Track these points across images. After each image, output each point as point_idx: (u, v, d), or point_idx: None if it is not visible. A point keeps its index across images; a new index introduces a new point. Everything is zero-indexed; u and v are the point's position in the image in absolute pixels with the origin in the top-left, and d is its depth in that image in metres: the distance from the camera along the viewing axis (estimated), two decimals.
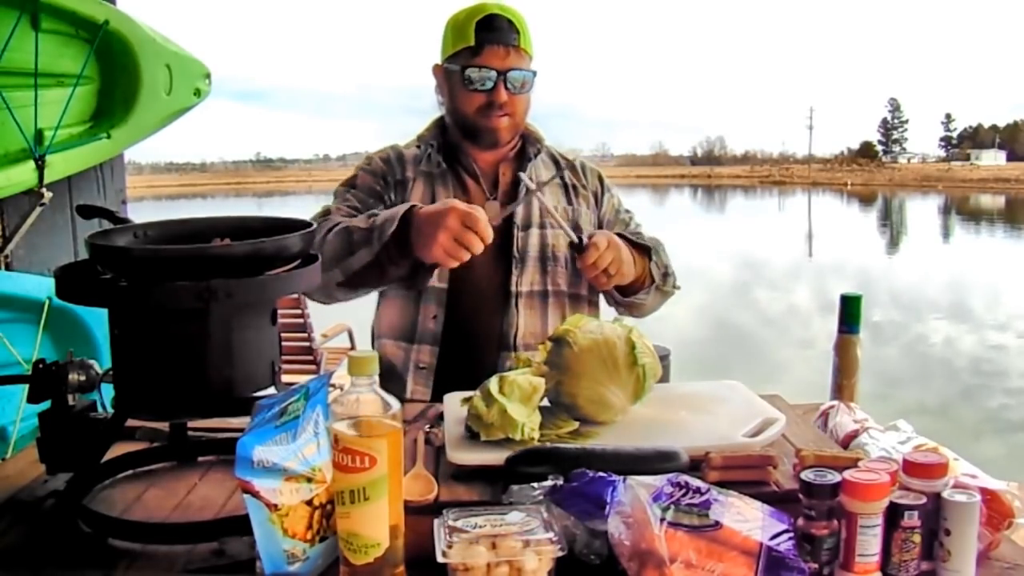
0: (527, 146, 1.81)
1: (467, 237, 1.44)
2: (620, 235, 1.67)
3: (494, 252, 1.70)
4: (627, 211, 1.90)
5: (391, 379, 1.76)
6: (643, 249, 1.71)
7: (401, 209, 1.52)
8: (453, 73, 1.69)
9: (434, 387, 1.68)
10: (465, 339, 1.70)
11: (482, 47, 1.64)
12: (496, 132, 1.70)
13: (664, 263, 1.78)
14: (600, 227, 1.82)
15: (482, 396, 1.21)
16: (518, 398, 1.21)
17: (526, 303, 1.72)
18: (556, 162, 1.85)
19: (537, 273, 1.74)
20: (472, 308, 1.71)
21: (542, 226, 1.75)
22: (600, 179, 1.88)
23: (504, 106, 1.67)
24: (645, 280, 1.72)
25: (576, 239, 1.57)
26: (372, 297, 1.87)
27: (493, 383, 1.22)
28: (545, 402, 1.28)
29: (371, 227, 1.54)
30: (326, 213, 1.72)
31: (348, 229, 1.56)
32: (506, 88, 1.66)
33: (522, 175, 1.67)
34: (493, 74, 1.64)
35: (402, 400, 1.60)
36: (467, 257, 1.47)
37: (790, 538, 0.87)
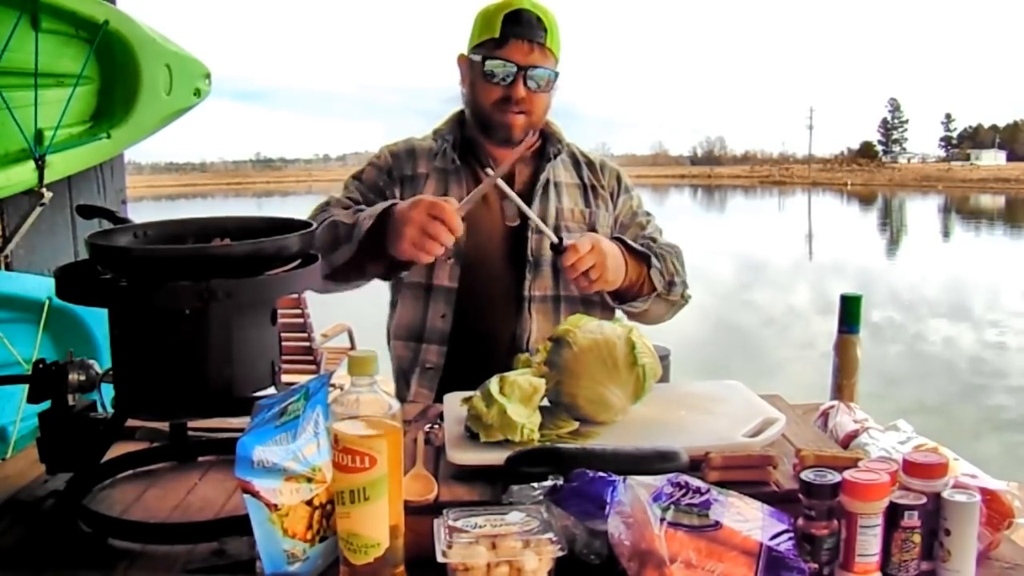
0: (547, 145, 1.76)
1: (433, 227, 1.43)
2: (619, 239, 1.64)
3: (507, 255, 1.70)
4: (647, 213, 1.84)
5: (398, 381, 1.76)
6: (643, 256, 1.66)
7: (381, 206, 1.53)
8: (475, 64, 1.66)
9: (439, 391, 1.66)
10: (475, 342, 1.68)
11: (506, 40, 1.61)
12: (510, 128, 1.66)
13: (671, 271, 1.71)
14: (615, 228, 1.79)
15: (482, 397, 1.21)
16: (518, 399, 1.21)
17: (539, 308, 1.69)
18: (577, 162, 1.81)
19: (550, 278, 1.70)
20: (483, 311, 1.68)
21: (556, 229, 1.70)
22: (618, 178, 1.83)
23: (521, 102, 1.64)
24: (642, 287, 1.67)
25: (556, 239, 1.55)
26: (378, 298, 1.87)
27: (493, 383, 1.22)
28: (545, 402, 1.28)
29: (354, 223, 1.55)
30: (326, 205, 1.72)
31: (335, 223, 1.57)
32: (525, 85, 1.62)
33: (489, 171, 1.60)
34: (513, 68, 1.61)
35: (403, 402, 1.61)
36: (437, 250, 1.45)
37: (790, 538, 0.87)
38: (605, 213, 1.78)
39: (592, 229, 1.73)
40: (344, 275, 1.61)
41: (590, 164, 1.81)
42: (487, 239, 1.69)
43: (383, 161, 1.77)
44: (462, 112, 1.79)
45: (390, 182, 1.74)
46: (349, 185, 1.77)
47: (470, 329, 1.68)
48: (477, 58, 1.65)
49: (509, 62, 1.61)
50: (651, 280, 1.66)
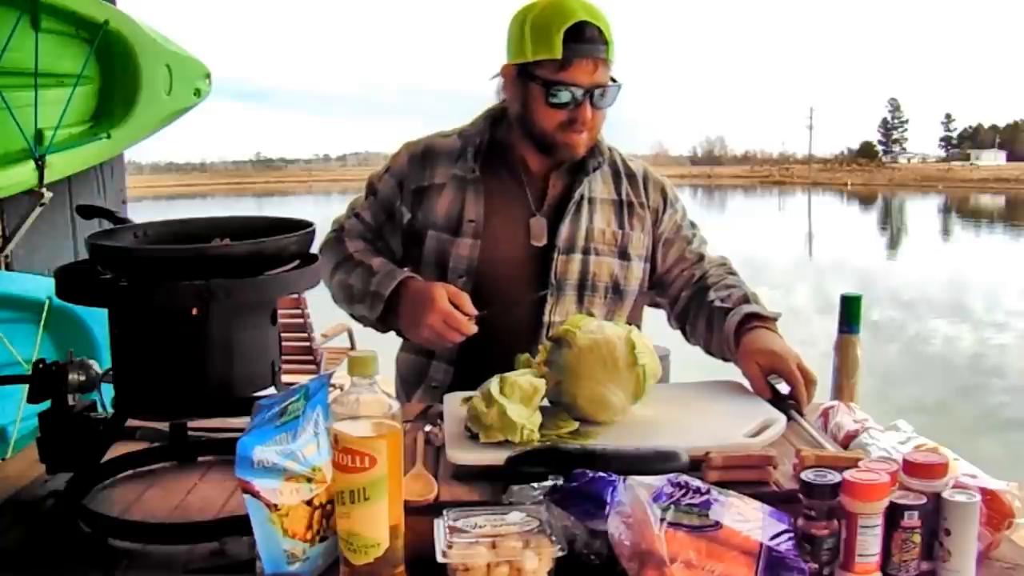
0: (587, 158, 1.62)
1: (449, 335, 1.45)
2: (753, 317, 1.52)
3: (529, 276, 1.60)
4: (692, 225, 1.73)
5: (399, 394, 1.72)
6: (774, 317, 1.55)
7: (389, 286, 1.52)
8: (532, 85, 1.52)
9: None
10: (486, 363, 1.49)
11: (570, 62, 1.47)
12: (574, 148, 1.56)
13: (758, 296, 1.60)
14: (655, 246, 1.69)
15: (482, 397, 1.21)
16: (518, 399, 1.21)
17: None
18: (617, 174, 1.68)
19: (573, 303, 1.61)
20: (498, 332, 1.52)
21: (585, 251, 1.61)
22: (663, 192, 1.70)
23: (586, 122, 1.53)
24: None
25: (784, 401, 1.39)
26: None
27: (493, 384, 1.22)
28: (545, 402, 1.28)
29: (366, 290, 1.54)
30: (340, 232, 1.68)
31: (347, 284, 1.58)
32: (592, 105, 1.51)
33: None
34: (580, 92, 1.49)
35: None
36: (451, 344, 1.49)
37: (790, 538, 0.87)
38: (640, 234, 1.66)
39: (623, 252, 1.64)
40: (371, 326, 1.63)
41: (631, 177, 1.68)
42: (508, 258, 1.60)
43: (399, 166, 1.67)
44: (494, 112, 1.66)
45: (401, 198, 1.65)
46: (364, 203, 1.70)
47: (481, 351, 1.52)
48: (536, 80, 1.51)
49: (575, 86, 1.49)
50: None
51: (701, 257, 1.69)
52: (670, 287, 1.70)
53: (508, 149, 1.63)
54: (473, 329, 1.46)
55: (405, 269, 1.61)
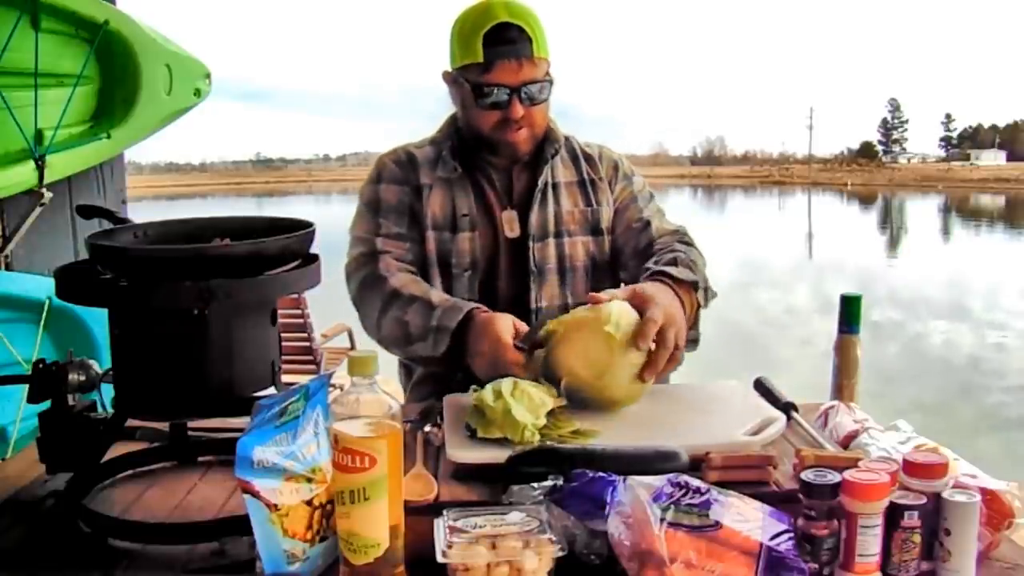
0: (544, 146, 1.67)
1: (501, 357, 1.36)
2: (660, 274, 1.48)
3: (510, 266, 1.64)
4: (649, 198, 1.73)
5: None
6: (691, 284, 1.49)
7: (455, 319, 1.44)
8: (464, 89, 1.57)
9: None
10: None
11: (492, 64, 1.52)
12: (515, 146, 1.60)
13: (704, 276, 1.55)
14: (614, 217, 1.70)
15: (491, 391, 1.21)
16: (525, 406, 1.21)
17: (548, 318, 1.57)
18: (576, 157, 1.73)
19: (556, 287, 1.65)
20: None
21: (558, 235, 1.65)
22: (615, 167, 1.75)
23: (521, 120, 1.56)
24: (694, 314, 1.52)
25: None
26: None
27: (506, 384, 1.23)
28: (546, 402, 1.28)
29: (426, 326, 1.47)
30: (371, 261, 1.59)
31: (403, 322, 1.50)
32: (522, 103, 1.54)
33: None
34: (506, 92, 1.53)
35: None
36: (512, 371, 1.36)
37: (790, 538, 0.87)
38: (607, 208, 1.71)
39: (595, 227, 1.68)
40: (430, 363, 1.55)
41: (588, 157, 1.74)
42: (491, 251, 1.64)
43: (390, 172, 1.67)
44: (457, 116, 1.70)
45: (411, 193, 1.65)
46: (376, 219, 1.64)
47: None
48: (467, 86, 1.56)
49: (500, 86, 1.53)
50: (697, 301, 1.52)
51: (647, 224, 1.66)
52: (620, 255, 1.70)
53: (474, 149, 1.66)
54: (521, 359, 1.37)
55: (470, 302, 1.51)
